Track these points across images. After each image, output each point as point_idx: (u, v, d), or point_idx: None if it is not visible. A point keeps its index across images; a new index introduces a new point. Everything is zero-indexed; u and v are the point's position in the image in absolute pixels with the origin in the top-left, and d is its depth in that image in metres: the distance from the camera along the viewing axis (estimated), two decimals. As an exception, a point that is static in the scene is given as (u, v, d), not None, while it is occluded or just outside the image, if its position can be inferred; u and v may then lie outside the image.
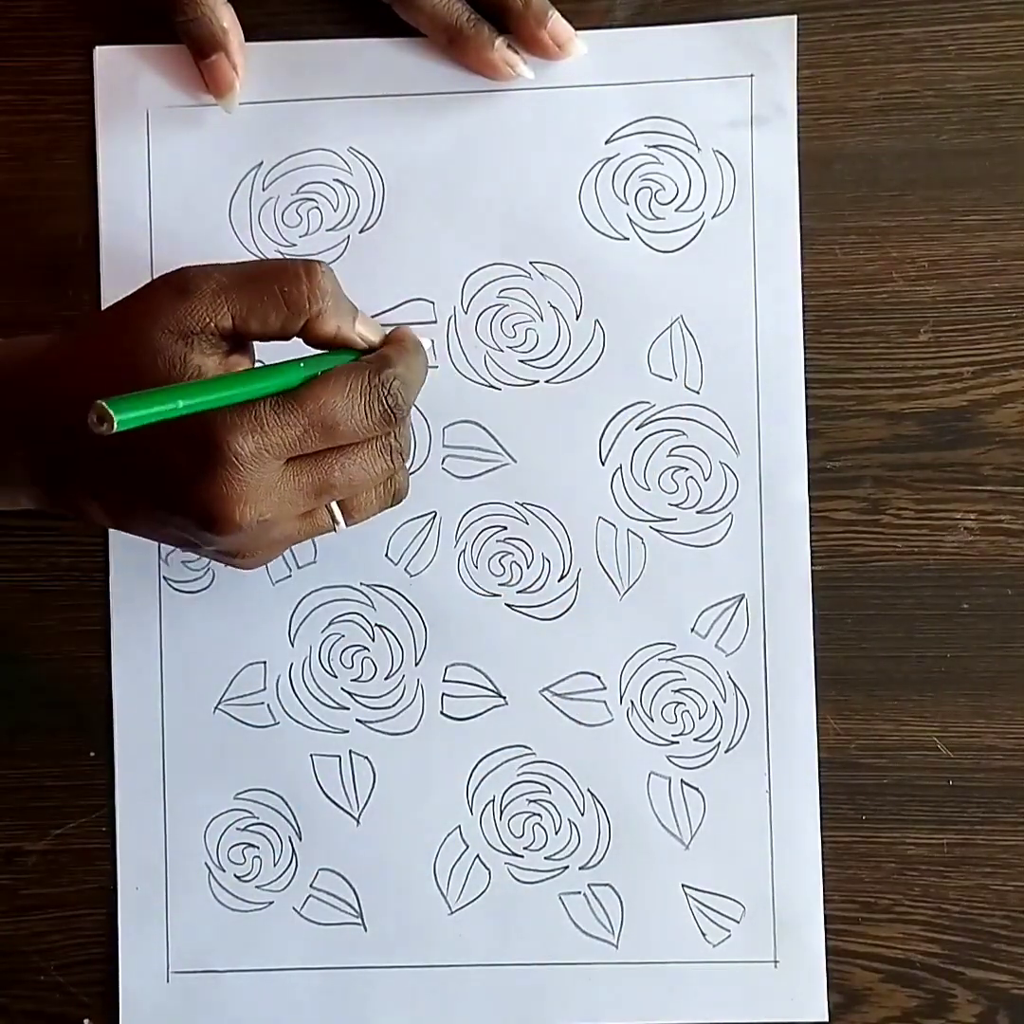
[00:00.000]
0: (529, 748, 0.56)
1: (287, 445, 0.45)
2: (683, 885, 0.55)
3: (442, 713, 0.56)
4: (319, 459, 0.47)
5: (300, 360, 0.47)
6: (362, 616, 0.56)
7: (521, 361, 0.56)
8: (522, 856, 0.56)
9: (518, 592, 0.56)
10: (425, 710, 0.56)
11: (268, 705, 0.56)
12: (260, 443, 0.45)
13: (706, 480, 0.56)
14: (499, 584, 0.56)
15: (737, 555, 0.55)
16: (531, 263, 0.56)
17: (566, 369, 0.56)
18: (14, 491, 0.50)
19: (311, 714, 0.56)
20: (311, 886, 0.56)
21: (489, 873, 0.56)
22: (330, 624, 0.56)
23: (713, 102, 0.55)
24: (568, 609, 0.56)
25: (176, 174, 0.56)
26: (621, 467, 0.56)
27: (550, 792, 0.56)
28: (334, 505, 0.49)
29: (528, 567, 0.56)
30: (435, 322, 0.55)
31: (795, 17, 0.55)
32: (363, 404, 0.46)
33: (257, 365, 0.49)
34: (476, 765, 0.56)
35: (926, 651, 0.55)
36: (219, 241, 0.56)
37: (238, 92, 0.55)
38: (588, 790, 0.56)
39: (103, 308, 0.49)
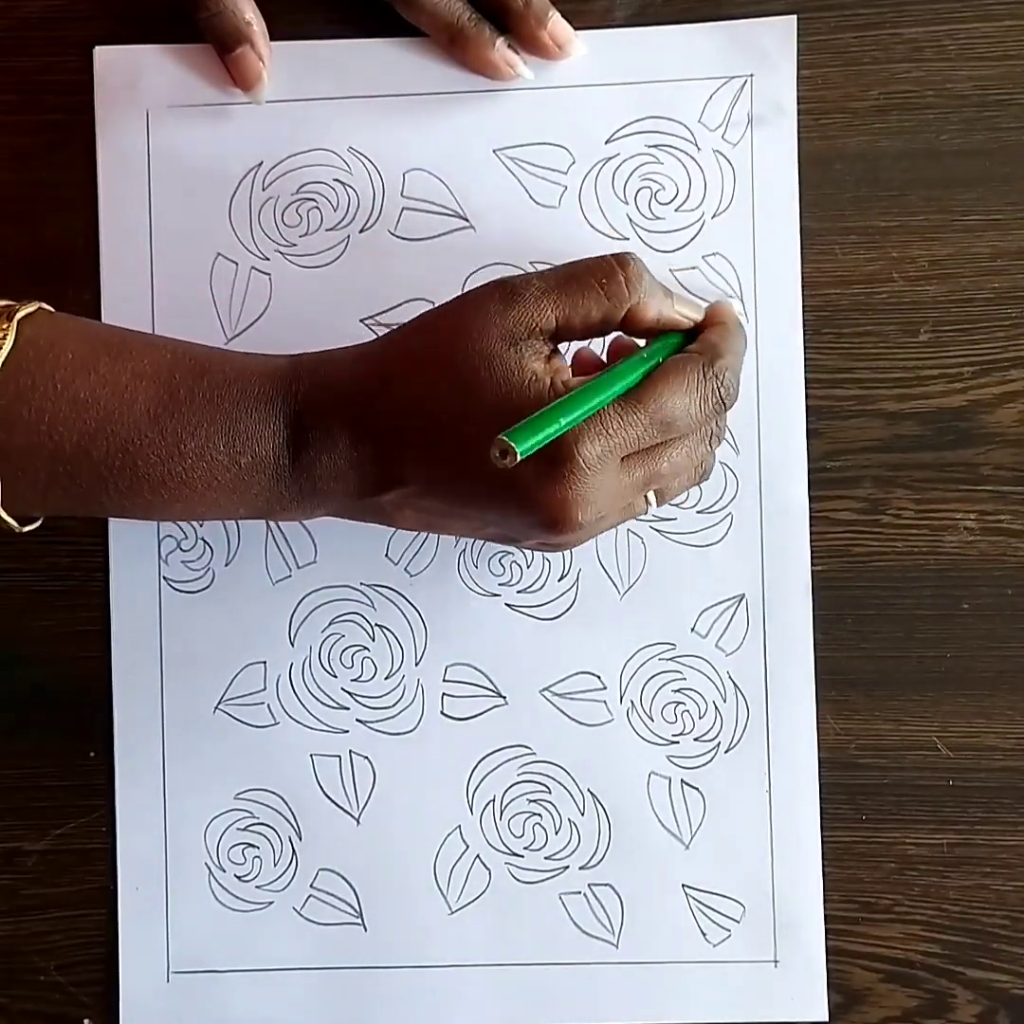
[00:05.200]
0: (529, 748, 0.56)
1: (628, 445, 0.46)
2: (683, 885, 0.55)
3: (442, 713, 0.56)
4: (650, 452, 0.47)
5: (640, 352, 0.47)
6: (362, 616, 0.56)
7: (521, 361, 0.56)
8: (522, 856, 0.56)
9: (518, 592, 0.56)
10: (425, 710, 0.56)
11: (268, 705, 0.56)
12: (605, 447, 0.45)
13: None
14: (499, 584, 0.56)
15: (737, 555, 0.55)
16: (531, 263, 0.56)
17: (566, 369, 0.56)
18: (318, 501, 0.49)
19: (311, 714, 0.56)
20: (311, 886, 0.56)
21: (489, 873, 0.56)
22: (330, 624, 0.56)
23: (713, 102, 0.55)
24: (568, 609, 0.56)
25: (176, 174, 0.56)
26: (621, 467, 0.56)
27: (550, 792, 0.56)
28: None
29: (528, 567, 0.56)
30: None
31: (795, 17, 0.55)
32: (699, 398, 0.47)
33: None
34: (476, 765, 0.56)
35: (926, 651, 0.55)
36: (219, 241, 0.56)
37: (266, 83, 0.54)
38: (588, 790, 0.56)
39: (422, 315, 0.49)
